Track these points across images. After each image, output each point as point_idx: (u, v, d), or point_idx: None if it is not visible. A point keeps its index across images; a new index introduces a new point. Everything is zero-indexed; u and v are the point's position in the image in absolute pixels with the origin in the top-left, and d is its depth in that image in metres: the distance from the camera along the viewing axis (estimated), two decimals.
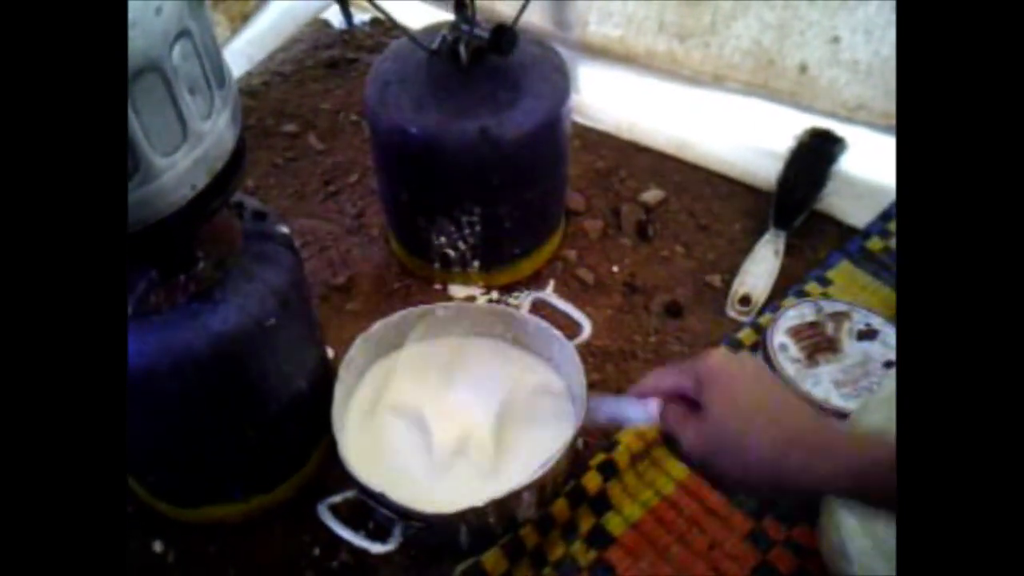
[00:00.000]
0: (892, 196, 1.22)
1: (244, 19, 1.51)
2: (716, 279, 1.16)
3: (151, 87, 0.55)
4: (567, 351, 0.92)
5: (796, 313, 1.02)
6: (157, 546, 0.91)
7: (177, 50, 0.57)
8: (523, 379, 0.95)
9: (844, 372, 0.96)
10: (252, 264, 0.77)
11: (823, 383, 0.95)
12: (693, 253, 1.20)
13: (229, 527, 0.92)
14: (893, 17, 1.15)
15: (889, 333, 1.00)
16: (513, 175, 1.02)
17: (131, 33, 0.53)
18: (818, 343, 0.99)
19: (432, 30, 1.04)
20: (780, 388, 0.56)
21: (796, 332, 1.00)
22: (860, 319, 1.02)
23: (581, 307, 1.02)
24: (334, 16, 1.63)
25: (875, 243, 1.19)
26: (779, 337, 0.99)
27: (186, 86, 0.59)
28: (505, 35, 0.97)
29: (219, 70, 0.64)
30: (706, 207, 1.25)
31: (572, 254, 1.19)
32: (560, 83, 1.03)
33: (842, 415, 0.90)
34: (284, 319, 0.78)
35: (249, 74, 1.51)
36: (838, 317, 1.02)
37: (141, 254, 0.68)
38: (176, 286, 0.72)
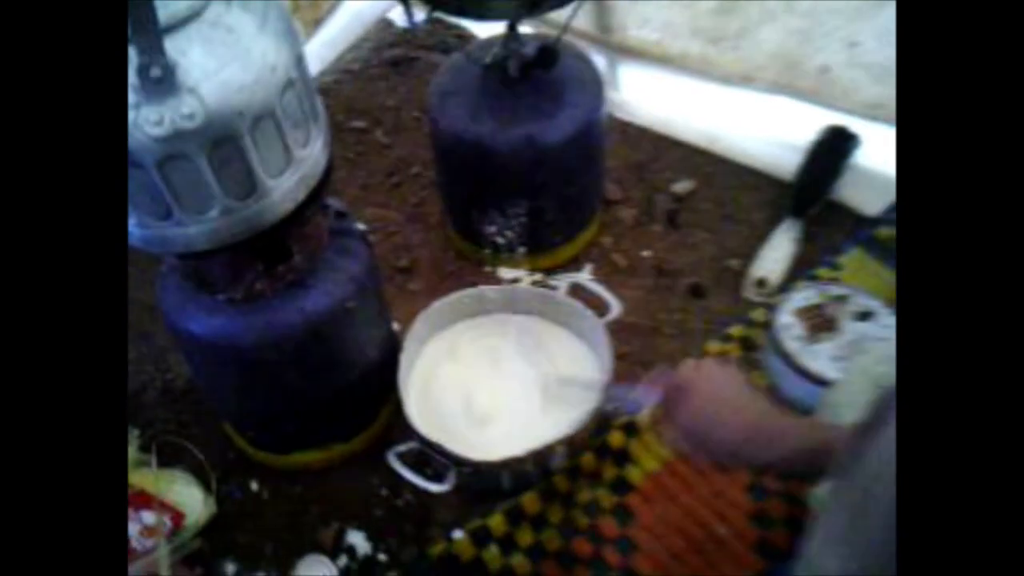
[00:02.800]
0: None
1: (317, 23, 1.67)
2: (736, 263, 1.29)
3: (266, 128, 0.72)
4: (597, 328, 1.07)
5: (802, 296, 1.16)
6: (254, 485, 1.10)
7: (286, 97, 0.73)
8: (559, 351, 1.11)
9: (840, 349, 1.10)
10: (336, 256, 0.94)
11: (821, 358, 1.08)
12: (717, 239, 1.33)
13: (312, 471, 1.10)
14: None
15: (885, 315, 1.13)
16: (554, 174, 1.17)
17: (253, 88, 0.69)
18: (819, 323, 1.12)
19: (484, 46, 1.18)
20: (741, 388, 0.70)
21: (801, 313, 1.14)
22: (860, 302, 1.15)
23: (614, 288, 1.18)
24: (398, 16, 1.78)
25: (884, 232, 1.30)
26: (784, 317, 1.13)
27: (291, 123, 0.75)
28: (549, 53, 1.11)
29: (314, 107, 0.81)
30: (731, 197, 1.38)
31: (608, 240, 1.34)
32: (596, 93, 1.17)
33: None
34: (360, 301, 0.95)
35: (322, 73, 1.68)
36: (839, 300, 1.15)
37: (250, 252, 0.86)
38: (276, 276, 0.89)
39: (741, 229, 1.34)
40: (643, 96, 1.51)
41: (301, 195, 0.80)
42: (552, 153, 1.14)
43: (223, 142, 0.69)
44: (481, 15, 1.01)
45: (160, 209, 0.73)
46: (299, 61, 0.76)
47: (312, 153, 0.80)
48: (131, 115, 0.65)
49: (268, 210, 0.77)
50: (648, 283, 1.28)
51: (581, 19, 1.48)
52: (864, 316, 1.14)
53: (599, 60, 1.44)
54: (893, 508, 0.41)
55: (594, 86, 1.17)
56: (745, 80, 1.41)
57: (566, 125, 1.13)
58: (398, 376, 1.04)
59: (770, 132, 1.41)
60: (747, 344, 1.19)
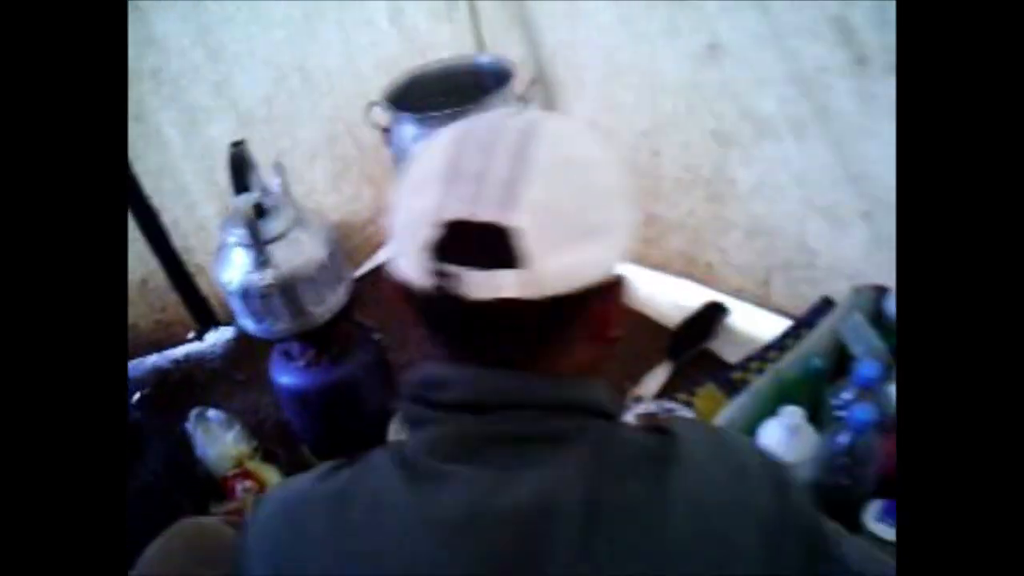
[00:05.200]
0: (758, 344, 1.95)
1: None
2: (629, 385, 1.97)
3: (308, 284, 1.58)
4: None
5: (643, 408, 1.83)
6: None
7: (320, 271, 1.59)
8: None
9: None
10: (359, 350, 1.78)
11: None
12: (624, 368, 2.02)
13: None
14: (754, 237, 1.93)
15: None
16: None
17: (305, 267, 1.56)
18: (650, 424, 1.79)
19: None
20: None
21: (639, 417, 1.81)
22: (681, 414, 1.80)
23: None
24: None
25: (738, 375, 1.93)
26: (628, 418, 1.81)
27: (323, 283, 1.61)
28: None
29: (340, 275, 1.66)
30: (644, 341, 2.07)
31: None
32: None
33: None
34: (367, 373, 1.77)
35: None
36: (670, 410, 1.81)
37: (310, 343, 1.71)
38: (323, 356, 1.74)
39: (642, 364, 2.03)
40: None
41: (328, 316, 1.65)
42: None
43: (289, 290, 1.56)
44: None
45: (260, 317, 1.60)
46: (332, 254, 1.62)
47: (337, 297, 1.65)
48: (249, 276, 1.53)
49: (311, 322, 1.62)
50: None
51: None
52: None
53: None
54: None
55: None
56: (661, 267, 2.14)
57: None
58: (390, 424, 1.83)
59: (676, 302, 2.10)
60: None
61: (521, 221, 0.61)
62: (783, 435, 1.42)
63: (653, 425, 0.74)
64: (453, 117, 1.63)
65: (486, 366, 0.67)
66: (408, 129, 1.69)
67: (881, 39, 1.34)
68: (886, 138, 1.47)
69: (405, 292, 0.68)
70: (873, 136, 1.48)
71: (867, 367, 1.38)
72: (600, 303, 0.71)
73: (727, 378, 1.93)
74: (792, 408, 1.42)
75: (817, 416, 1.47)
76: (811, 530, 0.74)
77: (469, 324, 0.65)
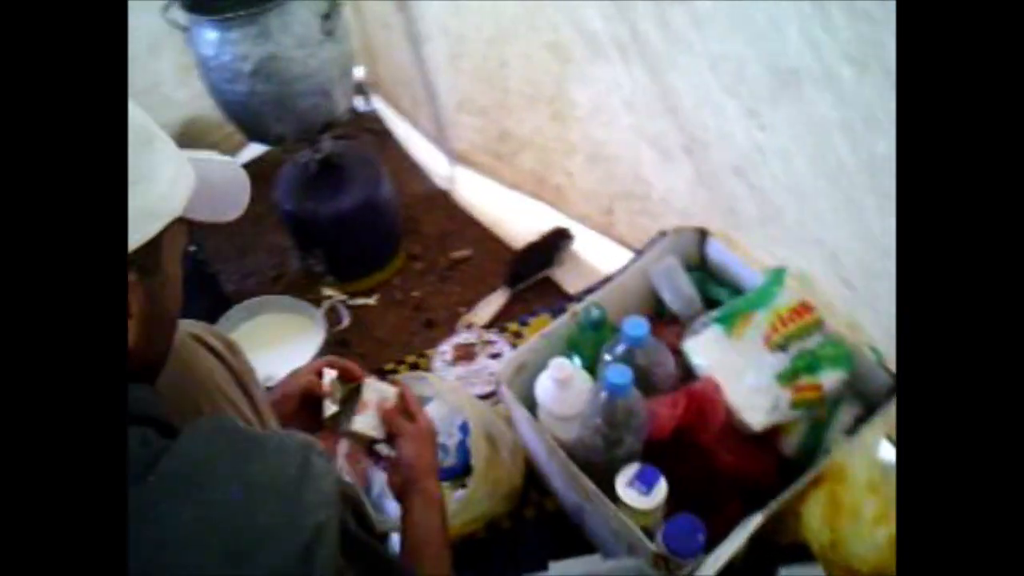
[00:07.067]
0: (599, 275, 1.87)
1: None
2: (464, 310, 1.91)
3: None
4: (321, 326, 1.76)
5: (462, 337, 1.77)
6: None
7: None
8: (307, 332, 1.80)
9: (468, 372, 1.70)
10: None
11: (452, 374, 1.69)
12: (462, 292, 1.95)
13: None
14: (596, 163, 1.81)
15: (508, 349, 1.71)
16: (341, 232, 1.86)
17: None
18: (462, 354, 1.73)
19: (303, 155, 1.89)
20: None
21: (456, 347, 1.75)
22: (499, 347, 1.74)
23: (382, 313, 1.85)
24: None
25: (574, 307, 1.86)
26: (444, 347, 1.75)
27: None
28: (333, 160, 1.82)
29: None
30: (490, 264, 1.99)
31: (397, 280, 2.00)
32: (372, 183, 1.85)
33: None
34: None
35: None
36: (486, 343, 1.75)
37: None
38: None
39: (483, 288, 1.95)
40: (464, 187, 2.16)
41: None
42: (334, 220, 1.83)
43: None
44: (264, 141, 1.74)
45: None
46: None
47: None
48: None
49: None
50: (406, 313, 1.94)
51: (428, 126, 2.17)
52: (495, 356, 1.73)
53: (443, 158, 2.13)
54: None
55: (370, 179, 1.86)
56: (514, 187, 2.03)
57: (344, 203, 1.82)
58: None
59: (525, 224, 2.00)
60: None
61: None
62: (551, 387, 1.35)
63: (168, 426, 0.67)
64: (251, 21, 1.51)
65: None
66: (207, 33, 1.55)
67: None
68: (685, 70, 1.34)
69: None
70: (676, 68, 1.35)
71: (633, 325, 1.30)
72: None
73: (562, 309, 1.86)
74: (560, 359, 1.35)
75: (595, 369, 1.40)
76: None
77: None
